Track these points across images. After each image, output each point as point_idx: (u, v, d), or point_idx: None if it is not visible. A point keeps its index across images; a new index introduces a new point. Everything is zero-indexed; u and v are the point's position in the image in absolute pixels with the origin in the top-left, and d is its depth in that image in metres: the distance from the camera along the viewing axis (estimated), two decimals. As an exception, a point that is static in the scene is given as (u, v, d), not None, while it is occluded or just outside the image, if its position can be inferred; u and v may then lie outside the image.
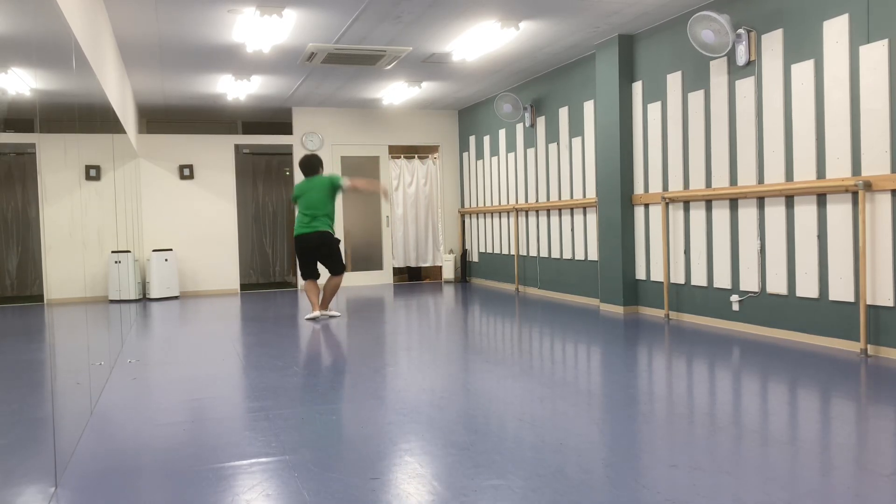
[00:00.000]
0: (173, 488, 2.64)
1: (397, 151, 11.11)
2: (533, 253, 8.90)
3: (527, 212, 9.01)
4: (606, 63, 6.97)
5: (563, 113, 8.08)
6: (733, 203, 5.70)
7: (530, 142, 8.87)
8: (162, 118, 10.95)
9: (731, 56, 5.61)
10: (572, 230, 8.02)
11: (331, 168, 10.60)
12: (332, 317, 7.26)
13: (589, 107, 7.58)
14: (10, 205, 9.68)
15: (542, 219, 8.64)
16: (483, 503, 2.42)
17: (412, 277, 11.74)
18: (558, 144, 8.21)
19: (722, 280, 5.83)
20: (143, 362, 5.10)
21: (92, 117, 4.79)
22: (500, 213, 9.72)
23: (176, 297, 9.56)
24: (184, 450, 3.09)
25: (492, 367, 4.65)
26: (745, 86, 5.50)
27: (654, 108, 6.54)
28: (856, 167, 4.67)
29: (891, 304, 4.48)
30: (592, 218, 7.60)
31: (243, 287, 10.49)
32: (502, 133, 9.60)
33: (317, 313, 7.13)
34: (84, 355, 4.14)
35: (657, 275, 6.59)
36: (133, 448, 3.15)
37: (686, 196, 6.13)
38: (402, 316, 7.44)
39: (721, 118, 5.75)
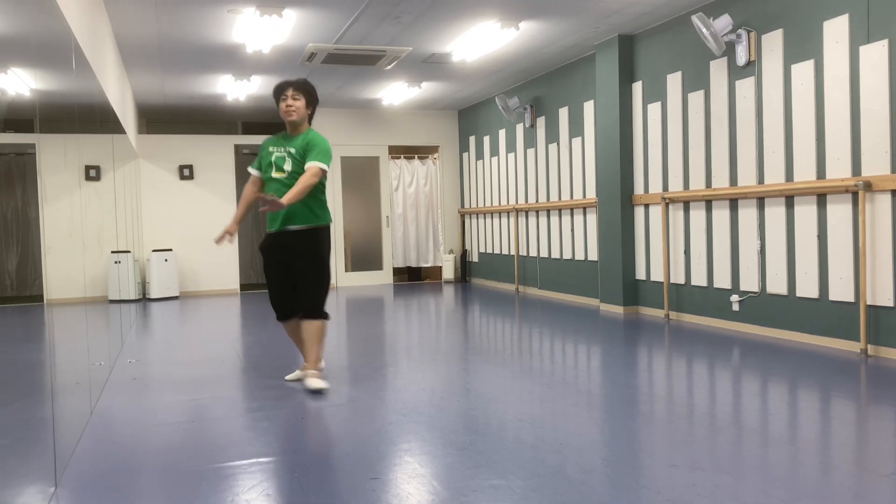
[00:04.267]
0: (173, 488, 2.64)
1: (397, 152, 11.11)
2: (533, 253, 8.90)
3: (527, 212, 9.00)
4: (606, 63, 6.97)
5: (563, 113, 8.08)
6: (733, 203, 5.69)
7: (530, 142, 8.86)
8: (162, 118, 10.95)
9: (730, 56, 5.61)
10: (572, 230, 8.02)
11: (331, 169, 10.57)
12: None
13: (589, 107, 7.58)
14: (10, 205, 9.67)
15: (542, 219, 8.64)
16: (483, 503, 2.42)
17: (412, 277, 11.74)
18: (558, 144, 8.21)
19: (722, 280, 5.82)
20: (143, 362, 5.10)
21: (92, 117, 4.79)
22: (500, 213, 9.72)
23: (176, 298, 9.56)
24: (184, 450, 3.09)
25: (492, 367, 4.65)
26: (745, 86, 5.50)
27: (654, 108, 6.54)
28: (856, 167, 4.66)
29: (891, 304, 4.48)
30: (592, 218, 7.60)
31: (243, 287, 10.48)
32: (502, 133, 9.60)
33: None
34: (84, 355, 4.14)
35: (657, 275, 6.59)
36: (133, 448, 3.15)
37: (686, 196, 6.13)
38: (403, 316, 7.44)
39: (721, 118, 5.74)
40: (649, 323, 6.24)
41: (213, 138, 10.21)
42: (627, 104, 6.84)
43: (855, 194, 4.67)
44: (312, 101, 4.23)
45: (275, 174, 4.12)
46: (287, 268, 4.16)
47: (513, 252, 9.39)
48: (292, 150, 4.12)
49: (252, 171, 4.27)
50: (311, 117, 4.26)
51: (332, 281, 10.54)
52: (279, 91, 4.17)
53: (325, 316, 4.13)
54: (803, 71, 5.01)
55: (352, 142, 10.63)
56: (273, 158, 4.15)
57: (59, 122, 3.94)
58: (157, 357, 5.38)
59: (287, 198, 3.85)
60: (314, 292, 4.15)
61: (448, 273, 10.98)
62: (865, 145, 4.59)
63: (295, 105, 4.13)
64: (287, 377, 4.39)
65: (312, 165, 3.98)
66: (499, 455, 2.89)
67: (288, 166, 4.09)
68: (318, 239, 4.16)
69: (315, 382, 4.06)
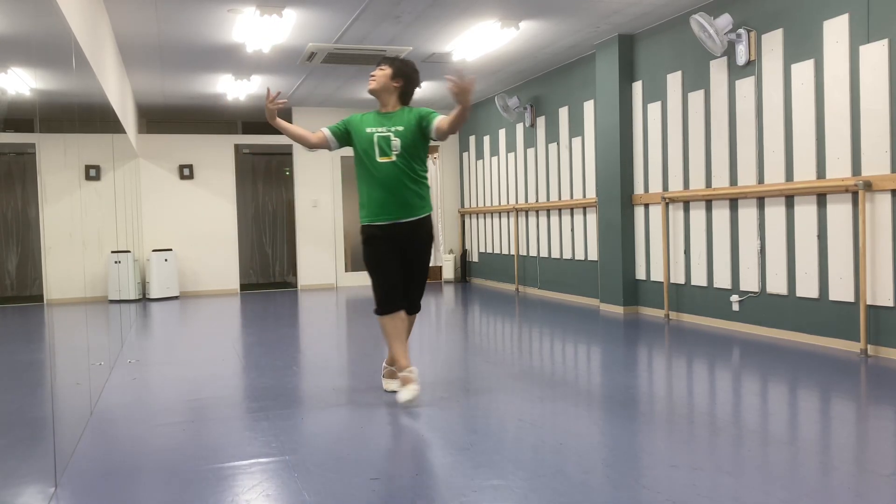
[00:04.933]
0: (173, 488, 2.64)
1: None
2: (533, 253, 8.90)
3: (527, 212, 9.00)
4: (606, 63, 6.97)
5: (563, 113, 8.08)
6: (733, 203, 5.69)
7: (530, 142, 8.86)
8: (162, 118, 10.95)
9: (730, 56, 5.61)
10: (572, 230, 8.02)
11: (330, 169, 10.58)
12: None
13: (589, 107, 7.58)
14: (10, 205, 9.68)
15: (542, 219, 8.64)
16: (483, 503, 2.42)
17: (412, 277, 11.73)
18: (558, 144, 8.21)
19: (722, 280, 5.82)
20: (143, 362, 5.10)
21: (92, 117, 4.80)
22: (500, 213, 9.72)
23: (176, 298, 9.56)
24: (184, 450, 3.09)
25: (492, 366, 4.64)
26: (745, 86, 5.50)
27: (654, 108, 6.54)
28: (856, 167, 4.66)
29: (891, 304, 4.48)
30: (592, 218, 7.60)
31: (243, 287, 10.48)
32: (502, 133, 9.60)
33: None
34: (84, 355, 4.14)
35: (657, 275, 6.59)
36: (133, 448, 3.15)
37: (686, 196, 6.13)
38: (402, 316, 7.43)
39: (721, 118, 5.74)
40: (649, 323, 6.24)
41: (213, 138, 10.21)
42: (627, 104, 6.84)
43: (855, 194, 4.67)
44: (400, 74, 3.81)
45: (380, 158, 3.71)
46: (399, 259, 3.81)
47: (513, 252, 9.39)
48: (400, 128, 3.74)
49: (326, 131, 3.88)
50: (405, 95, 3.85)
51: (332, 281, 10.60)
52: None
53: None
54: (803, 71, 5.00)
55: (352, 142, 10.61)
56: (376, 139, 3.72)
57: (59, 121, 3.94)
58: (157, 357, 5.38)
59: (464, 115, 3.60)
60: (424, 285, 3.99)
61: (448, 273, 10.98)
62: (865, 145, 4.58)
63: (377, 74, 3.80)
64: (389, 388, 3.95)
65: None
66: (499, 455, 2.89)
67: (396, 147, 3.71)
68: (432, 227, 3.92)
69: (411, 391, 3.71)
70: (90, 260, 4.80)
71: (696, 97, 6.01)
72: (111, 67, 5.82)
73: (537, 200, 8.71)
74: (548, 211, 8.50)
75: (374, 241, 3.79)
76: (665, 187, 6.45)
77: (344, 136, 3.86)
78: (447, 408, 3.63)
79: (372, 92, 3.83)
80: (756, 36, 5.38)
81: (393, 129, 3.73)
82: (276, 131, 4.16)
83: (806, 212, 5.04)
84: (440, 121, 3.72)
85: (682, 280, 6.28)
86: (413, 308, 4.01)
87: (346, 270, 10.76)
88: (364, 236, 3.83)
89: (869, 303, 4.60)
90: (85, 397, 3.82)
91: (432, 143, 3.88)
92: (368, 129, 3.76)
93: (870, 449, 2.95)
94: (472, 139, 10.59)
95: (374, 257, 3.80)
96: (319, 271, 10.52)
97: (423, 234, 3.83)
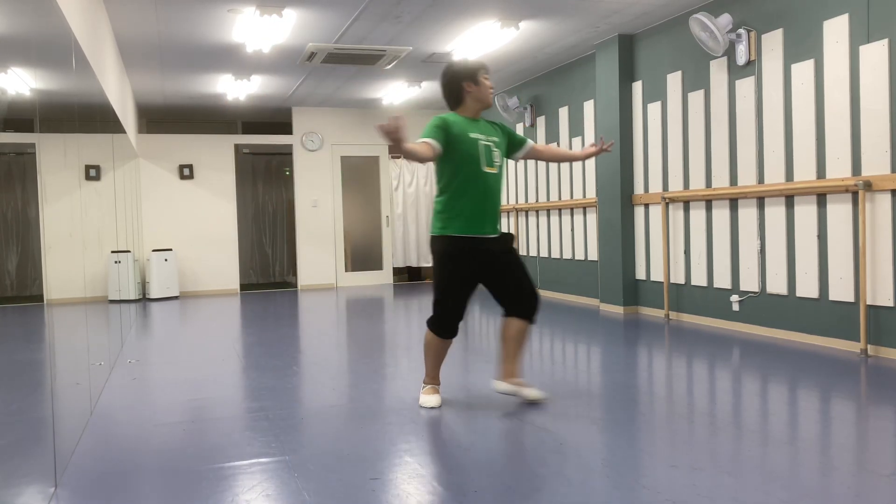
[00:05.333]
0: (173, 488, 2.64)
1: (398, 151, 11.09)
2: (533, 253, 8.90)
3: (527, 212, 9.00)
4: (606, 63, 6.97)
5: (563, 113, 8.08)
6: (733, 203, 5.69)
7: (530, 142, 8.85)
8: (162, 118, 10.95)
9: (731, 56, 5.61)
10: (572, 230, 8.02)
11: (330, 169, 10.59)
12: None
13: (589, 107, 7.58)
14: (10, 205, 9.68)
15: (542, 219, 8.64)
16: (483, 503, 2.42)
17: (412, 277, 11.74)
18: (558, 144, 8.21)
19: (722, 280, 5.82)
20: (143, 362, 5.10)
21: (92, 117, 4.80)
22: (500, 213, 9.71)
23: (176, 298, 9.56)
24: (184, 450, 3.09)
25: (492, 367, 4.64)
26: (745, 86, 5.50)
27: (654, 108, 6.54)
28: (856, 167, 4.66)
29: (891, 304, 4.48)
30: (592, 218, 7.60)
31: (243, 287, 10.48)
32: (502, 133, 9.59)
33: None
34: (84, 355, 4.14)
35: (657, 275, 6.59)
36: (133, 448, 3.15)
37: (686, 196, 6.13)
38: (402, 316, 7.44)
39: (721, 118, 5.74)
40: (649, 323, 6.24)
41: (213, 138, 10.21)
42: (627, 104, 6.84)
43: (855, 194, 4.67)
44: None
45: (486, 168, 3.51)
46: (480, 275, 3.58)
47: (513, 252, 9.39)
48: (495, 139, 3.60)
49: (432, 142, 3.44)
50: None
51: (332, 281, 10.60)
52: (479, 69, 3.59)
53: None
54: (803, 70, 5.01)
55: (352, 141, 10.63)
56: (481, 147, 3.51)
57: (59, 121, 3.94)
58: (157, 357, 5.38)
59: (576, 159, 4.09)
60: (531, 281, 3.66)
61: (448, 273, 10.96)
62: (865, 145, 4.59)
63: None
64: (501, 388, 3.69)
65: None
66: (499, 455, 2.89)
67: (497, 159, 3.57)
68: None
69: (534, 392, 3.66)
70: (90, 260, 4.80)
71: (696, 97, 6.01)
72: (111, 67, 5.82)
73: (537, 200, 8.71)
74: (548, 211, 8.50)
75: (461, 259, 3.50)
76: (665, 187, 6.45)
77: (444, 142, 3.49)
78: (447, 408, 3.63)
79: (488, 106, 3.67)
80: (756, 36, 5.38)
81: (490, 139, 3.57)
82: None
83: (806, 212, 5.04)
84: (535, 148, 3.90)
85: (682, 280, 6.28)
86: (536, 309, 3.66)
87: (347, 270, 10.76)
88: (450, 250, 3.50)
89: (869, 303, 4.61)
90: (85, 397, 3.82)
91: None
92: (472, 135, 3.52)
93: (870, 449, 2.95)
94: (472, 139, 10.58)
95: (457, 278, 3.51)
96: (319, 271, 10.52)
97: (505, 243, 3.64)
